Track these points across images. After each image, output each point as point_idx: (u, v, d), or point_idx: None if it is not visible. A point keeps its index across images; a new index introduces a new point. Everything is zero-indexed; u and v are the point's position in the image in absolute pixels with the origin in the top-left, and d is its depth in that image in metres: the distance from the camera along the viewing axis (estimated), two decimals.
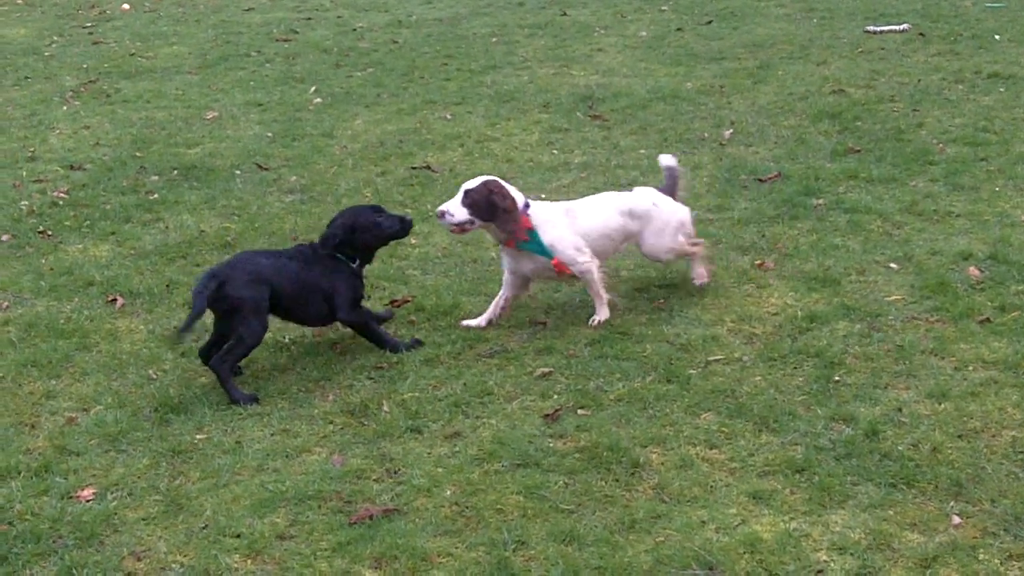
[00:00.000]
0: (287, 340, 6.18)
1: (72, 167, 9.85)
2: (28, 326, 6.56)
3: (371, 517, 4.52)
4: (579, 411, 5.26)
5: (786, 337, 5.84)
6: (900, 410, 5.14)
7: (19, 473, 5.05)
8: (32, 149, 10.45)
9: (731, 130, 9.40)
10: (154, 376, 5.90)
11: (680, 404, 5.27)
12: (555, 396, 5.42)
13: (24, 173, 9.80)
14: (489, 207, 5.99)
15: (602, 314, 6.21)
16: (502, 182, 6.20)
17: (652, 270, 6.72)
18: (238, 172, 9.45)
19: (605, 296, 6.24)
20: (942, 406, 5.16)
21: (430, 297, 6.62)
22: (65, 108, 12.06)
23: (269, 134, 10.57)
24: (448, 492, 4.71)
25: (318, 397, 5.57)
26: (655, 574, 4.19)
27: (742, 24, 13.51)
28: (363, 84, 12.36)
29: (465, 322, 6.22)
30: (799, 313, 6.07)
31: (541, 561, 4.24)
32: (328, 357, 5.96)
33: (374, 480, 4.86)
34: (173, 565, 4.35)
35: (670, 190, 6.56)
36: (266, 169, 9.44)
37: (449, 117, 10.79)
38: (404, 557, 4.30)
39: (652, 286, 6.51)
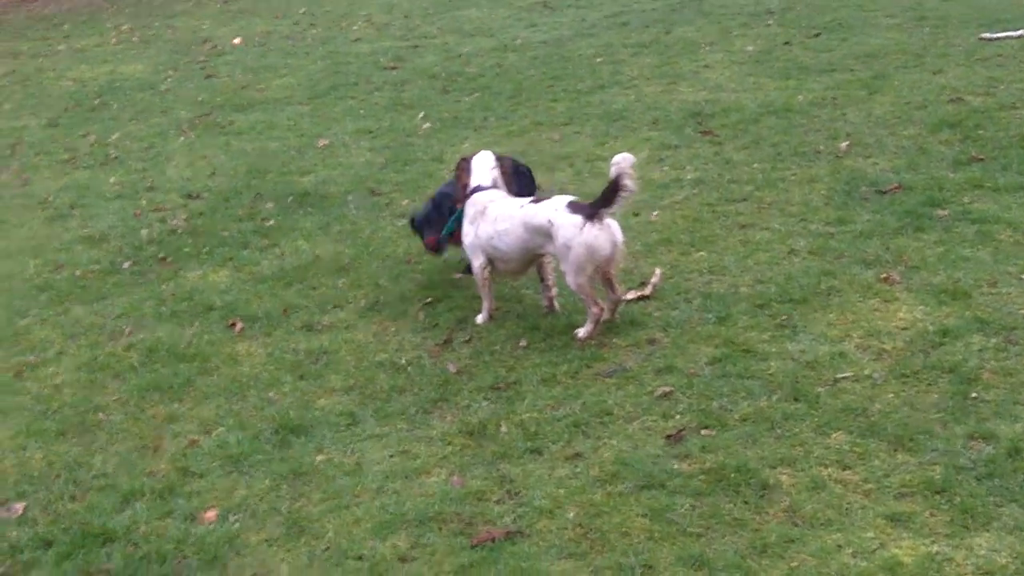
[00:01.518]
0: (404, 361, 6.14)
1: (190, 196, 10.01)
2: (150, 351, 6.64)
3: (493, 540, 4.44)
4: (703, 431, 5.12)
5: (918, 352, 5.62)
6: None
7: (143, 495, 5.08)
8: (151, 180, 10.66)
9: (847, 142, 9.16)
10: (274, 398, 5.90)
11: (809, 424, 5.10)
12: (677, 416, 5.28)
13: (144, 203, 9.99)
14: (455, 175, 6.70)
15: (479, 317, 6.60)
16: (480, 160, 6.67)
17: (772, 285, 6.53)
18: (350, 198, 9.50)
19: (486, 303, 6.61)
20: None
21: (545, 317, 6.53)
22: (181, 140, 12.29)
23: (380, 160, 10.62)
24: (571, 514, 4.60)
25: (436, 418, 5.52)
26: None
27: (851, 35, 13.21)
28: (471, 108, 12.37)
29: (580, 335, 6.14)
30: (930, 327, 5.85)
31: None
32: (445, 378, 5.90)
33: (495, 502, 4.77)
34: None
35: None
36: (378, 194, 9.47)
37: (557, 138, 10.73)
38: None
39: (773, 302, 6.33)
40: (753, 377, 5.58)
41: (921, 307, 6.17)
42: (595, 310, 6.14)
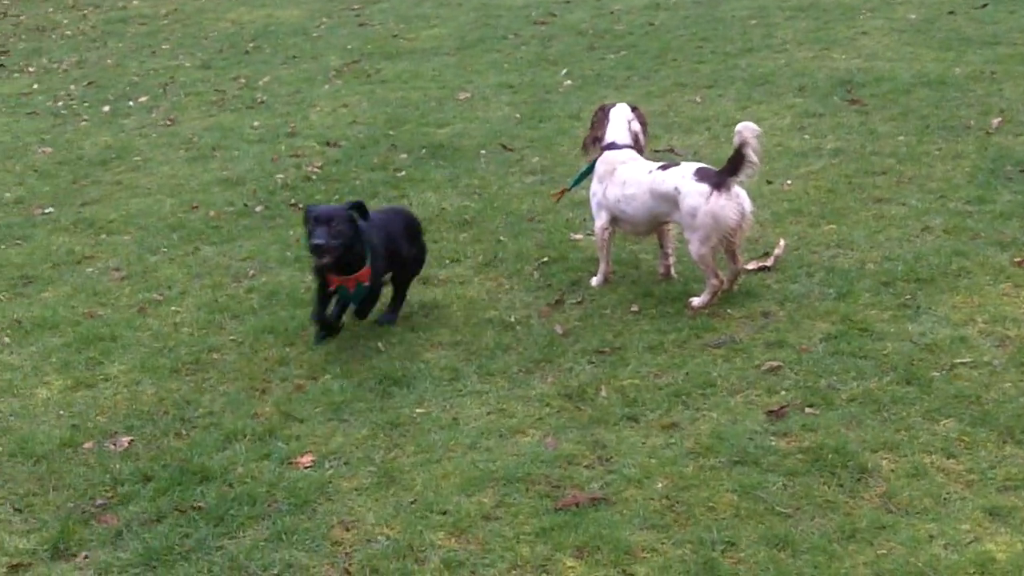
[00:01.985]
0: (512, 320, 6.12)
1: (328, 143, 10.14)
2: (270, 294, 6.76)
3: (578, 504, 4.40)
4: (807, 409, 4.97)
5: None
6: None
7: (245, 436, 5.18)
8: (292, 125, 10.83)
9: (1000, 119, 8.75)
10: (382, 348, 5.95)
11: (918, 408, 4.90)
12: (782, 392, 5.14)
13: (283, 148, 10.16)
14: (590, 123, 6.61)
15: (594, 280, 6.51)
16: (617, 113, 6.54)
17: (900, 263, 6.29)
18: (483, 152, 9.49)
19: (603, 264, 6.49)
20: None
21: (659, 283, 6.42)
22: (327, 87, 12.45)
23: (517, 115, 10.59)
24: (659, 485, 4.53)
25: (538, 379, 5.49)
26: None
27: (1020, 8, 12.58)
28: (615, 66, 12.23)
29: (694, 304, 6.04)
30: None
31: (750, 565, 4.01)
32: (551, 339, 5.86)
33: (585, 466, 4.73)
34: (379, 537, 4.35)
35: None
36: (511, 150, 9.44)
37: (699, 100, 10.53)
38: (607, 548, 4.15)
39: (899, 280, 6.10)
40: (867, 357, 5.40)
41: None
42: (715, 281, 6.01)
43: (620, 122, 6.49)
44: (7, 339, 6.39)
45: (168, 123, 11.35)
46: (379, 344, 6.01)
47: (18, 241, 8.09)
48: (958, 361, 5.27)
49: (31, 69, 14.72)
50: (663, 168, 6.16)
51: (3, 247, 7.99)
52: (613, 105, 6.57)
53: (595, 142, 6.52)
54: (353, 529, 4.42)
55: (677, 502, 4.42)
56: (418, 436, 5.07)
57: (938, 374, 5.17)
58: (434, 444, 4.98)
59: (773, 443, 4.74)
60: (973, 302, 5.82)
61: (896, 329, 5.62)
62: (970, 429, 4.74)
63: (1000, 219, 6.87)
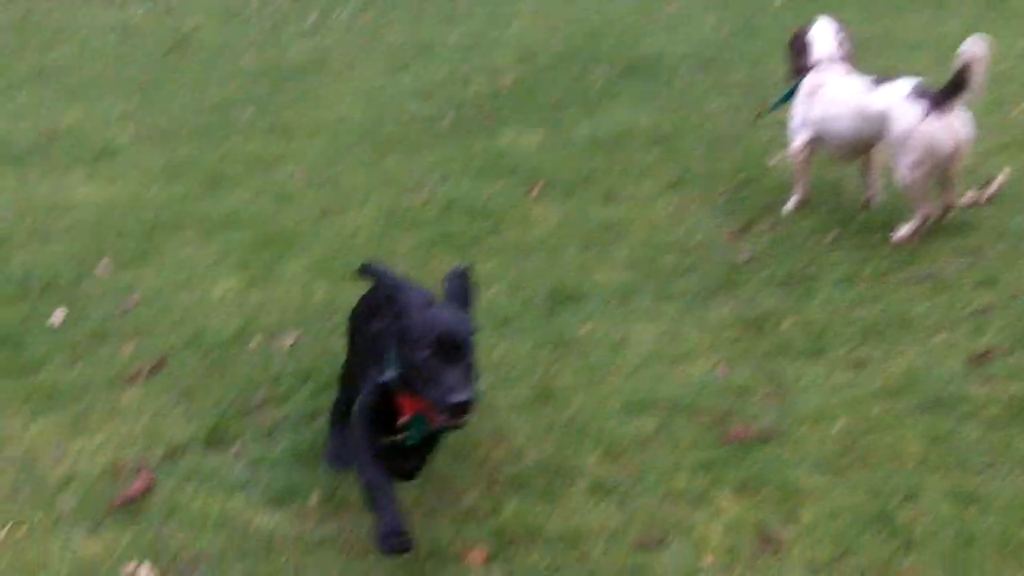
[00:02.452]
0: (695, 243, 5.74)
1: (524, 57, 9.85)
2: (447, 206, 6.56)
3: (745, 438, 4.04)
4: (1014, 355, 4.43)
5: None
6: None
7: None
8: (492, 37, 10.60)
9: None
10: (555, 264, 5.67)
11: None
12: (988, 335, 4.64)
13: (478, 60, 9.93)
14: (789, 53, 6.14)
15: (788, 204, 6.06)
16: (819, 30, 6.03)
17: None
18: (684, 68, 9.05)
19: (799, 188, 6.05)
20: None
21: (861, 212, 5.93)
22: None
23: (724, 31, 10.08)
24: (838, 425, 4.12)
25: (716, 305, 5.12)
26: None
27: None
28: None
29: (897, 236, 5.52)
30: None
31: (930, 520, 3.58)
32: (734, 265, 5.47)
33: (757, 399, 4.35)
34: (528, 454, 4.10)
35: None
36: (712, 66, 8.97)
37: (924, 20, 9.78)
38: (771, 488, 3.79)
39: None
40: None
41: None
42: (923, 211, 5.47)
43: (825, 37, 5.95)
44: (192, 235, 6.39)
45: (372, 34, 11.26)
46: (553, 260, 5.71)
47: (215, 142, 8.11)
48: None
49: None
50: (876, 82, 5.60)
51: (200, 146, 8.02)
52: (810, 27, 6.01)
53: (799, 72, 5.98)
54: (503, 444, 4.19)
55: (856, 445, 4.01)
56: (582, 355, 4.78)
57: None
58: (598, 364, 4.68)
59: (972, 390, 4.25)
60: None
61: None
62: None
63: None
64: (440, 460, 3.91)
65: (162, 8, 13.53)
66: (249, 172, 7.43)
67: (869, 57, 8.58)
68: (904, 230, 5.54)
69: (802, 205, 5.99)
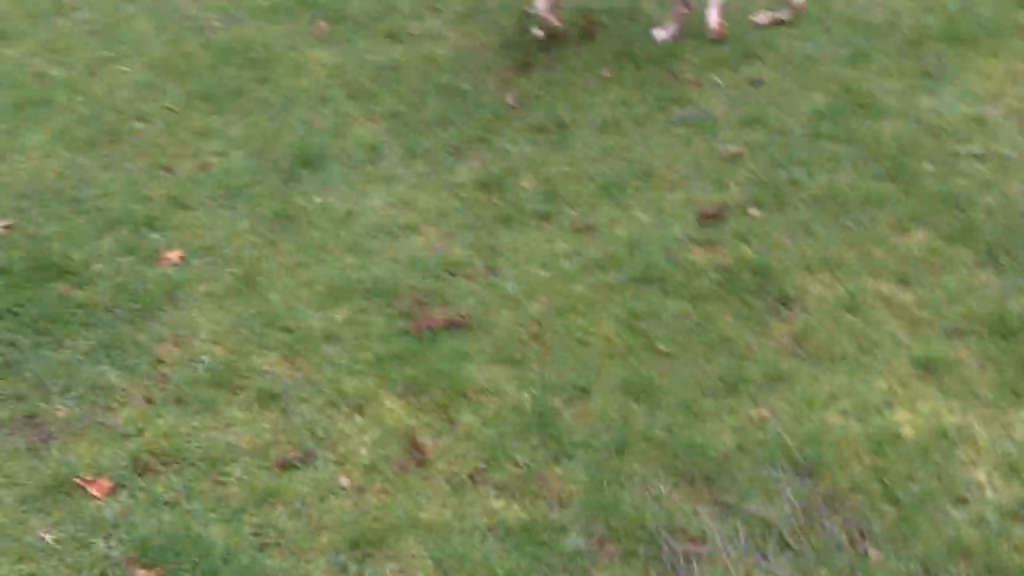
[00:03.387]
0: (466, 86, 5.31)
1: None
2: (223, 50, 6.06)
3: (431, 328, 3.70)
4: (750, 210, 4.09)
5: None
6: None
7: (124, 225, 4.60)
8: None
9: None
10: (313, 119, 5.24)
11: (889, 214, 3.98)
12: (732, 187, 4.25)
13: None
14: None
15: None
16: None
17: (945, 15, 5.19)
18: None
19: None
20: None
21: (642, 42, 5.44)
22: None
23: None
24: (536, 307, 3.78)
25: (465, 160, 4.73)
26: (732, 463, 3.10)
27: None
28: None
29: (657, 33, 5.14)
30: None
31: (592, 421, 3.28)
32: (497, 111, 5.06)
33: (465, 277, 4.00)
34: (203, 357, 3.77)
35: None
36: None
37: None
38: (439, 388, 3.47)
39: (932, 39, 5.07)
40: (853, 141, 4.43)
41: None
42: (681, 9, 5.00)
43: None
44: None
45: None
46: (312, 115, 5.27)
47: None
48: (964, 150, 4.25)
49: None
50: None
51: None
52: None
53: None
54: (183, 345, 3.85)
55: (546, 330, 3.68)
56: (302, 232, 4.41)
57: (933, 167, 4.18)
58: (313, 243, 4.31)
59: (691, 256, 3.92)
60: (1013, 70, 4.69)
61: (903, 104, 4.60)
62: (943, 246, 3.81)
63: None
64: (105, 367, 3.57)
65: None
66: (33, 22, 6.84)
67: None
68: (664, 29, 5.10)
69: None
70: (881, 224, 3.93)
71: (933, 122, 4.47)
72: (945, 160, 4.21)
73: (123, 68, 6.01)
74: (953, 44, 4.98)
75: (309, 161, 4.87)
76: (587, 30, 5.39)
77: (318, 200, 4.62)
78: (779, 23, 5.42)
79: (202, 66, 5.90)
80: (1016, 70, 4.68)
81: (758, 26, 5.33)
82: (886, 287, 3.65)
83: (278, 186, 4.74)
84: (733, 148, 4.45)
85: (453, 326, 3.72)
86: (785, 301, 3.64)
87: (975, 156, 4.21)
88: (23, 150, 5.25)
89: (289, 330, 3.83)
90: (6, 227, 4.63)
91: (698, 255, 3.91)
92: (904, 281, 3.66)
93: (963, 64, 4.81)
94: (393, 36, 5.98)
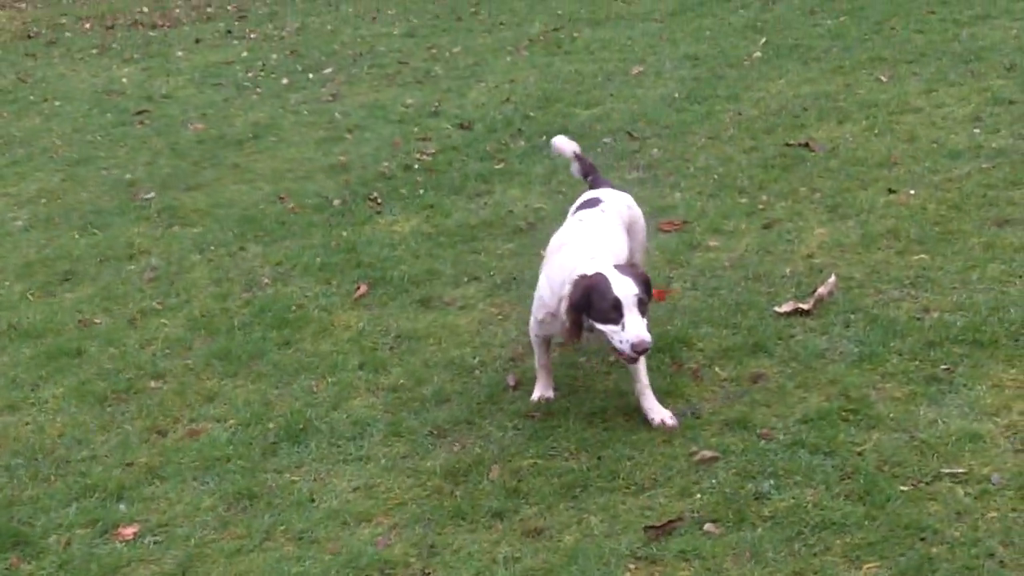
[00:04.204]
0: (477, 361, 5.28)
1: (461, 125, 9.50)
2: (261, 309, 6.22)
3: None
4: (706, 526, 3.88)
5: None
6: None
7: (97, 492, 4.64)
8: (444, 103, 10.25)
9: None
10: (317, 389, 5.27)
11: (849, 540, 3.74)
12: (696, 496, 4.07)
13: (416, 129, 9.59)
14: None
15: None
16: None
17: (968, 315, 5.03)
18: (607, 140, 8.54)
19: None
20: None
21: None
22: (508, 59, 11.84)
23: (677, 95, 9.52)
24: None
25: (447, 444, 4.67)
26: None
27: None
28: (823, 36, 10.95)
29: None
30: None
31: None
32: (496, 391, 4.98)
33: None
34: None
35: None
36: (635, 138, 8.43)
37: (884, 79, 9.09)
38: None
39: (950, 341, 4.88)
40: (834, 453, 4.20)
41: None
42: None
43: None
44: None
45: (330, 99, 11.02)
46: (319, 384, 5.30)
47: (95, 230, 7.91)
48: (947, 471, 3.96)
49: (252, 36, 14.87)
50: None
51: (75, 235, 7.82)
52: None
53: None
54: None
55: None
56: (258, 514, 4.36)
57: (907, 488, 3.89)
58: (263, 527, 4.26)
59: (633, 568, 3.68)
60: None
61: (900, 414, 4.36)
62: None
63: None
64: None
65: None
66: (103, 267, 7.19)
67: (806, 119, 7.95)
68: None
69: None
70: (834, 551, 3.66)
71: (924, 437, 4.19)
72: (923, 481, 3.92)
73: (164, 321, 6.19)
74: (973, 347, 4.72)
75: (294, 434, 4.87)
76: None
77: (287, 478, 4.57)
78: (800, 312, 5.25)
79: (235, 324, 6.03)
80: None
81: (778, 315, 5.16)
82: None
83: (255, 460, 4.73)
84: (709, 453, 4.25)
85: None
86: None
87: (955, 478, 3.90)
88: (38, 403, 5.43)
89: None
90: None
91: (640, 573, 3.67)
92: None
93: (976, 371, 4.54)
94: (425, 303, 6.03)
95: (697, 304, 5.53)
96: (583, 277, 4.36)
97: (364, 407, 5.03)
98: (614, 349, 4.34)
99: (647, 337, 4.23)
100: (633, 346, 4.22)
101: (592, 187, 5.37)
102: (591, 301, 4.30)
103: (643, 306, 4.29)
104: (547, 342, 4.86)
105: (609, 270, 4.37)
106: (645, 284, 4.39)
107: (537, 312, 4.73)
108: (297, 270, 6.73)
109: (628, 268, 4.51)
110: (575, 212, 5.14)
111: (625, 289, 4.27)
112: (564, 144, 5.69)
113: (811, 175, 7.19)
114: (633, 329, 4.23)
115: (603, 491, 4.17)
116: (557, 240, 4.88)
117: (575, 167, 5.63)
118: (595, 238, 4.71)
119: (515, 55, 11.97)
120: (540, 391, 4.89)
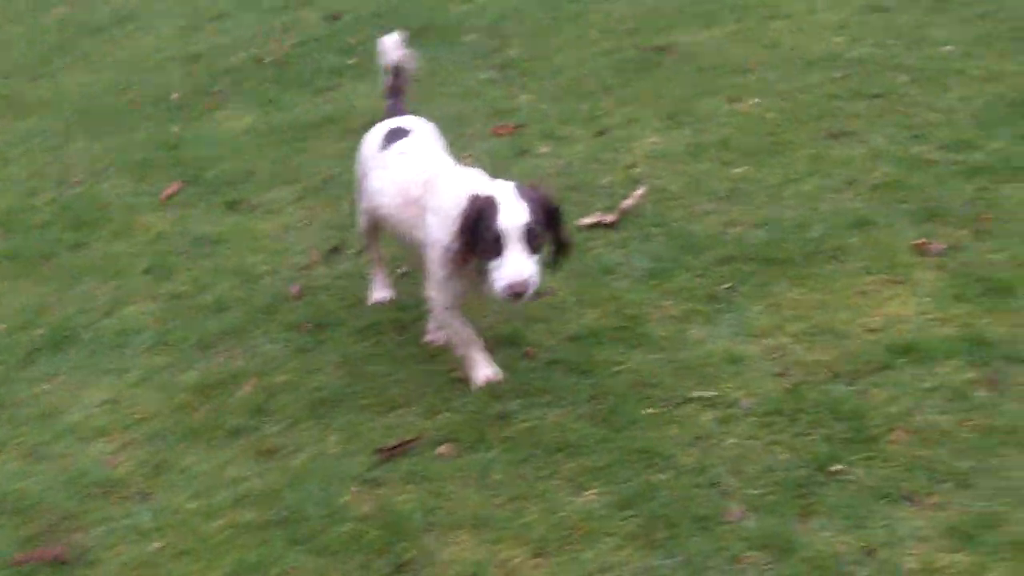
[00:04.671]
0: (262, 270, 5.02)
1: (334, 17, 9.09)
2: (64, 207, 5.97)
3: (36, 562, 3.40)
4: (440, 448, 3.71)
5: (844, 374, 3.84)
6: None
7: None
8: None
9: None
10: (96, 295, 5.05)
11: (577, 464, 3.57)
12: (444, 415, 3.89)
13: (285, 19, 9.21)
14: None
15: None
16: None
17: (770, 230, 4.84)
18: (472, 37, 8.21)
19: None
20: None
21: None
22: None
23: None
24: (156, 545, 3.47)
25: (213, 353, 4.48)
26: None
27: None
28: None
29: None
30: (910, 336, 3.92)
31: None
32: (278, 299, 4.77)
33: (117, 499, 3.73)
34: None
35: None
36: (498, 37, 8.12)
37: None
38: None
39: (745, 257, 4.69)
40: (591, 373, 4.03)
41: (931, 300, 4.22)
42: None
43: None
44: None
45: None
46: (98, 290, 5.07)
47: None
48: (696, 394, 3.81)
49: None
50: None
51: None
52: None
53: None
54: None
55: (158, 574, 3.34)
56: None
57: (653, 411, 3.74)
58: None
59: (344, 499, 3.55)
60: (808, 301, 4.28)
61: (671, 333, 4.20)
62: (608, 512, 3.35)
63: (959, 176, 5.10)
64: None
65: None
66: None
67: (675, 20, 7.66)
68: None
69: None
70: (561, 474, 3.52)
71: (684, 357, 4.04)
72: (671, 404, 3.78)
73: None
74: (764, 265, 4.56)
75: (57, 342, 4.67)
76: None
77: (41, 388, 4.37)
78: (603, 225, 5.06)
79: (34, 223, 5.76)
80: (812, 300, 4.24)
81: (580, 228, 4.97)
82: (520, 557, 3.21)
83: (11, 368, 4.52)
84: (455, 374, 4.07)
85: (58, 562, 3.38)
86: (404, 565, 3.22)
87: (701, 402, 3.76)
88: None
89: None
90: None
91: (352, 499, 3.52)
92: (540, 552, 3.23)
93: (758, 290, 4.38)
94: (233, 205, 5.80)
95: None
96: (476, 198, 3.64)
97: (139, 314, 4.82)
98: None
99: (522, 277, 3.49)
100: (505, 287, 3.53)
101: (390, 114, 4.60)
102: (476, 230, 3.58)
103: (533, 239, 3.58)
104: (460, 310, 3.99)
105: (505, 192, 3.62)
106: (547, 211, 3.66)
107: (438, 269, 3.88)
108: (115, 167, 6.44)
109: (530, 190, 3.70)
110: (385, 147, 4.31)
111: (512, 218, 3.55)
112: (391, 47, 4.67)
113: (661, 81, 6.94)
114: (510, 267, 3.53)
115: (351, 410, 4.00)
116: (418, 178, 4.02)
117: (387, 80, 4.68)
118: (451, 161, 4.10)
119: None
120: (483, 371, 4.02)
